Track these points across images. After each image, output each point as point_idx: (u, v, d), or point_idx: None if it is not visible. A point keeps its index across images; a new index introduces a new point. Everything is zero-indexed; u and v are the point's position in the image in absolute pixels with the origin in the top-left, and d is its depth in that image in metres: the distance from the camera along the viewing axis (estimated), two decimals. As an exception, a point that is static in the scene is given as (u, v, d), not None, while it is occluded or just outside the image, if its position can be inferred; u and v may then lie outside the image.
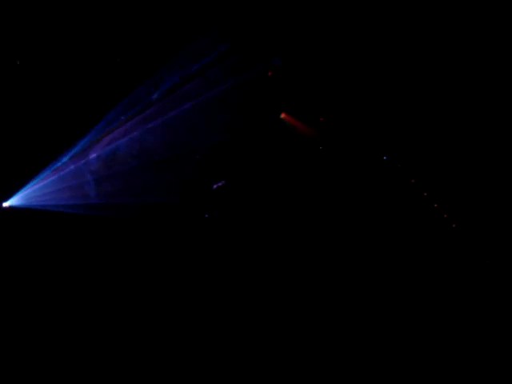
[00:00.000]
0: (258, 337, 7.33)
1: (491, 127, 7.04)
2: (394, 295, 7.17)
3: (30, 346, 6.91)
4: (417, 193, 7.42)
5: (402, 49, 7.24)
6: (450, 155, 7.25)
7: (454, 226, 7.16)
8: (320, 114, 7.79)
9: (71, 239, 7.47)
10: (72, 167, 7.29)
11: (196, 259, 7.71)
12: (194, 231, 7.75)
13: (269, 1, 7.22)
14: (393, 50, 7.27)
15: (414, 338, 7.00)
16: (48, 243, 7.37)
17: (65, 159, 7.25)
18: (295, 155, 7.87)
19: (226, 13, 7.28)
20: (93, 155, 7.28)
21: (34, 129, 7.31)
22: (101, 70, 7.33)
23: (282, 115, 7.86)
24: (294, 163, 7.87)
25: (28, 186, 7.25)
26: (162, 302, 7.47)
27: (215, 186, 7.60)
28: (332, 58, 7.48)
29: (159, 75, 7.27)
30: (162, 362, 7.18)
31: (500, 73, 6.84)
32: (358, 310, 7.27)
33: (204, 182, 7.71)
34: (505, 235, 6.90)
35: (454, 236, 7.17)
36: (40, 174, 7.26)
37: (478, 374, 6.50)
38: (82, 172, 7.33)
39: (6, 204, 7.27)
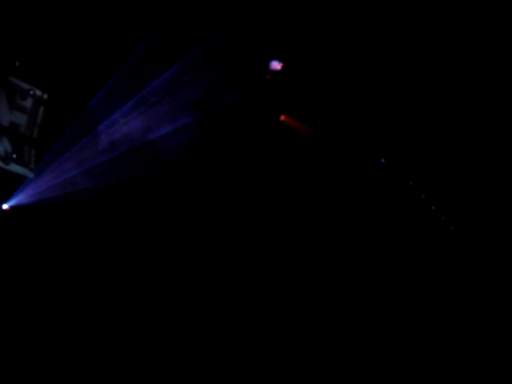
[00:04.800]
0: (256, 335, 7.35)
1: (489, 130, 7.08)
2: (392, 296, 7.21)
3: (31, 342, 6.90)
4: (415, 195, 7.45)
5: (399, 54, 7.26)
6: (447, 158, 7.30)
7: (451, 228, 7.21)
8: (318, 117, 7.82)
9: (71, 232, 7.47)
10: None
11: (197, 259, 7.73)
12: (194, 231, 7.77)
13: (268, 4, 7.22)
14: (390, 55, 7.29)
15: (413, 338, 7.04)
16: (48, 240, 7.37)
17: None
18: (294, 156, 7.90)
19: (225, 14, 7.28)
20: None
21: None
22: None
23: (282, 117, 7.89)
24: (293, 164, 7.89)
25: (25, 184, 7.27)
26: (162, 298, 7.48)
27: None
28: (331, 62, 7.50)
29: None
30: (157, 353, 7.18)
31: (498, 78, 6.88)
32: (356, 311, 7.30)
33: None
34: (503, 237, 6.96)
35: (451, 238, 7.22)
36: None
37: (477, 373, 6.55)
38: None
39: (5, 206, 7.25)
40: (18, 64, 7.21)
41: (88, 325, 7.00)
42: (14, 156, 7.28)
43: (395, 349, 7.05)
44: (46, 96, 7.45)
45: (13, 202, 7.13)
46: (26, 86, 7.38)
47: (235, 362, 7.17)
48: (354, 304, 7.31)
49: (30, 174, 7.34)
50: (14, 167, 7.40)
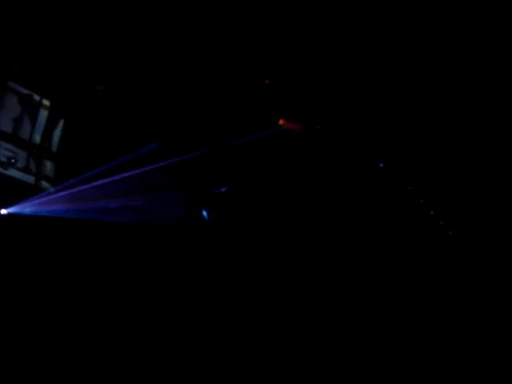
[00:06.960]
0: (256, 337, 7.37)
1: (487, 136, 7.14)
2: (392, 300, 7.27)
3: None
4: (413, 200, 7.50)
5: (399, 59, 7.29)
6: (446, 163, 7.35)
7: (450, 232, 7.28)
8: (317, 121, 7.84)
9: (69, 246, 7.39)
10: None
11: (197, 263, 7.71)
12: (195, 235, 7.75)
13: (268, 11, 7.20)
14: (390, 60, 7.32)
15: (412, 339, 7.11)
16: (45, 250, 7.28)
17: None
18: (294, 159, 7.91)
19: (225, 16, 7.25)
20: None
21: None
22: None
23: (281, 121, 7.90)
24: (292, 167, 7.91)
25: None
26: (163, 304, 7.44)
27: (216, 191, 7.62)
28: (329, 66, 7.52)
29: None
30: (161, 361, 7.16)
31: (496, 84, 6.92)
32: (358, 315, 7.35)
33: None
34: (501, 241, 7.04)
35: (450, 243, 7.29)
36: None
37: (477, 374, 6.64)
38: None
39: (4, 211, 7.17)
40: (16, 69, 7.15)
41: (83, 333, 6.97)
42: (13, 161, 7.22)
43: (394, 350, 7.12)
44: (45, 101, 7.41)
45: (15, 209, 7.07)
46: (25, 91, 7.33)
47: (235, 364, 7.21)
48: (355, 308, 7.37)
49: (31, 180, 7.29)
50: (14, 172, 7.34)
